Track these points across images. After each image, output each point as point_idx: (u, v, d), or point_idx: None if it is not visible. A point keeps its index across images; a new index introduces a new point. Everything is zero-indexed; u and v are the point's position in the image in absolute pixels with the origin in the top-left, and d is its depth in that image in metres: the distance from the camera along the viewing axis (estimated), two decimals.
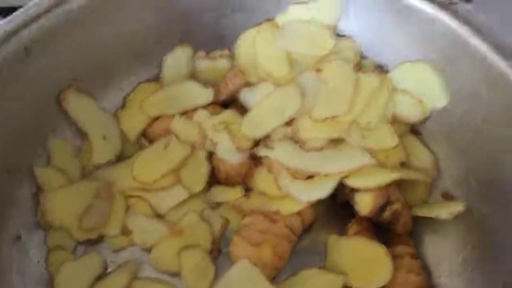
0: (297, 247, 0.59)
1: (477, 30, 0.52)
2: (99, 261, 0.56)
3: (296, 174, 0.55)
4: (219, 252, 0.58)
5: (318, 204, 0.58)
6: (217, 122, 0.60)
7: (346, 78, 0.57)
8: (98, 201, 0.57)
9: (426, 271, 0.57)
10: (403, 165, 0.58)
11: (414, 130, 0.61)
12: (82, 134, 0.62)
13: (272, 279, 0.55)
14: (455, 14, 0.54)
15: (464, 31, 0.53)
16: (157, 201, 0.59)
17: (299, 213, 0.56)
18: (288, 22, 0.60)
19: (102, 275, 0.56)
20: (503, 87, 0.51)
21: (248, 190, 0.59)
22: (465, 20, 0.53)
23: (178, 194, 0.59)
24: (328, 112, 0.55)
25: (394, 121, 0.59)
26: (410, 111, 0.59)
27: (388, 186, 0.55)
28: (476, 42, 0.52)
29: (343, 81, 0.57)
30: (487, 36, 0.52)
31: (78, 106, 0.61)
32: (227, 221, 0.59)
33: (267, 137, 0.57)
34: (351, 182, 0.53)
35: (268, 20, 0.61)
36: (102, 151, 0.61)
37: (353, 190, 0.54)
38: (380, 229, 0.58)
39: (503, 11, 0.67)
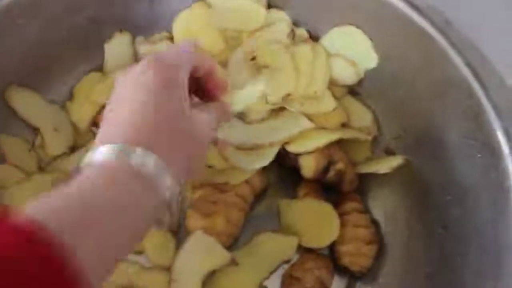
0: (253, 214, 0.62)
1: None
2: None
3: (240, 146, 0.57)
4: (179, 227, 0.60)
5: (269, 172, 0.61)
6: None
7: (282, 57, 0.59)
8: None
9: (374, 224, 0.61)
10: (344, 125, 0.61)
11: (352, 91, 0.63)
12: (33, 129, 0.63)
13: (230, 246, 0.58)
14: None
15: None
16: None
17: (247, 182, 0.58)
18: (219, 0, 0.62)
19: None
20: (425, 46, 0.54)
21: None
22: None
23: None
24: (281, 92, 0.58)
25: (332, 84, 0.61)
26: (345, 74, 0.61)
27: (330, 147, 0.58)
28: (397, 3, 0.55)
29: (280, 61, 0.59)
30: None
31: (24, 102, 0.61)
32: (183, 198, 0.61)
33: None
34: (293, 148, 0.56)
35: (199, 0, 0.62)
36: (55, 143, 0.63)
37: (297, 155, 0.57)
38: (329, 189, 0.61)
39: None
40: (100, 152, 0.36)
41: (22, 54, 0.60)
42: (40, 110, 0.63)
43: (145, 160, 0.36)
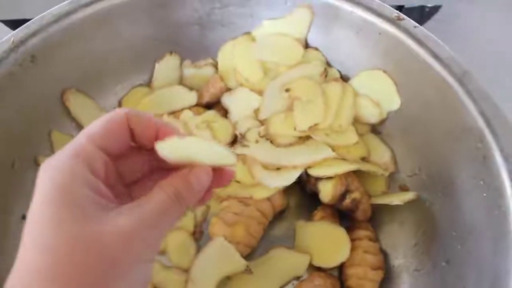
0: (272, 233, 0.66)
1: (421, 42, 0.60)
2: None
3: (267, 166, 0.63)
4: (201, 234, 0.65)
5: (290, 195, 0.67)
6: (200, 121, 0.68)
7: (314, 91, 0.65)
8: None
9: (384, 253, 0.65)
10: (364, 160, 0.66)
11: (374, 130, 0.69)
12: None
13: (247, 256, 0.62)
14: (403, 29, 0.62)
15: (410, 43, 0.61)
16: None
17: (269, 199, 0.63)
18: (263, 35, 0.69)
19: None
20: (444, 94, 0.59)
21: None
22: (410, 34, 0.61)
23: None
24: (309, 123, 0.63)
25: (356, 121, 0.67)
26: (369, 113, 0.67)
27: (348, 176, 0.63)
28: (421, 53, 0.61)
29: (312, 95, 0.64)
30: (430, 47, 0.60)
31: (79, 104, 0.68)
32: (207, 207, 0.67)
33: (242, 136, 0.65)
34: (314, 172, 0.61)
35: (245, 33, 0.70)
36: None
37: (317, 180, 0.62)
38: (344, 217, 0.66)
39: None
40: None
41: (85, 62, 0.67)
42: (91, 113, 0.69)
43: None
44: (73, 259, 0.31)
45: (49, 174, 0.33)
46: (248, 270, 0.60)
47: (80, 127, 0.68)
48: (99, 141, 0.36)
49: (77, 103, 0.68)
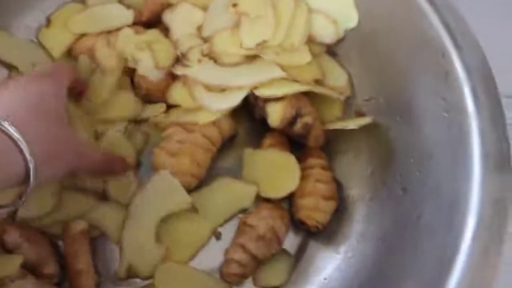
0: (219, 164, 0.61)
1: None
2: None
3: (210, 88, 0.57)
4: (138, 165, 0.60)
5: (238, 123, 0.61)
6: (140, 41, 0.61)
7: (263, 6, 0.58)
8: None
9: (338, 184, 0.60)
10: (318, 82, 0.61)
11: (330, 51, 0.63)
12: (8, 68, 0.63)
13: (195, 188, 0.58)
14: None
15: None
16: None
17: (215, 124, 0.57)
18: None
19: None
20: (405, 3, 0.54)
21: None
22: None
23: None
24: (257, 39, 0.57)
25: (310, 41, 0.61)
26: (324, 31, 0.61)
27: (299, 99, 0.57)
28: None
29: (261, 10, 0.58)
30: None
31: None
32: (146, 135, 0.61)
33: (183, 56, 0.59)
34: (261, 92, 0.56)
35: None
36: None
37: (266, 102, 0.57)
38: (296, 146, 0.61)
39: None
40: None
41: None
42: (13, 47, 0.63)
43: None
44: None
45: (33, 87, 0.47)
46: (193, 208, 0.55)
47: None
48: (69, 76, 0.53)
49: None
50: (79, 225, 0.54)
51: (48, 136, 0.45)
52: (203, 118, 0.57)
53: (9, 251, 0.53)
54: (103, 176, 0.57)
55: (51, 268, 0.53)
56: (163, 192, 0.55)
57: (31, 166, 0.41)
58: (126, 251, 0.54)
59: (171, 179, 0.55)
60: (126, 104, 0.60)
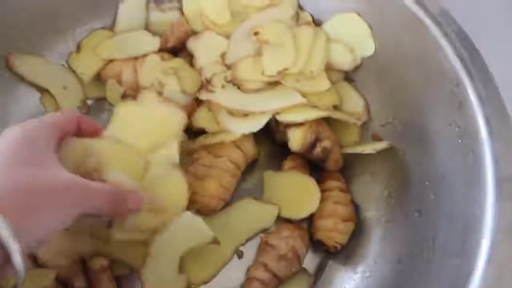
0: (241, 185, 0.64)
1: None
2: None
3: (233, 112, 0.59)
4: None
5: (260, 145, 0.64)
6: (166, 67, 0.64)
7: (284, 35, 0.61)
8: None
9: (355, 206, 0.63)
10: (336, 108, 0.63)
11: (348, 77, 0.66)
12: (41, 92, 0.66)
13: (220, 210, 0.60)
14: None
15: None
16: None
17: (240, 149, 0.60)
18: None
19: None
20: (419, 35, 0.56)
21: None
22: None
23: None
24: (278, 67, 0.60)
25: (329, 68, 0.63)
26: (343, 59, 0.63)
27: (319, 124, 0.60)
28: None
29: (282, 38, 0.61)
30: None
31: (29, 66, 0.65)
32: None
33: (208, 82, 0.62)
34: (283, 117, 0.58)
35: None
36: (67, 101, 0.66)
37: (287, 127, 0.59)
38: (315, 168, 0.63)
39: None
40: None
41: (39, 6, 0.63)
42: (46, 71, 0.66)
43: None
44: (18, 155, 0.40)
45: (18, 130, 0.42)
46: (215, 241, 0.54)
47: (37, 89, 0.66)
48: (63, 126, 0.48)
49: (26, 66, 0.65)
50: (99, 261, 0.55)
51: (22, 185, 0.38)
52: (229, 137, 0.59)
53: (40, 265, 0.55)
54: (116, 215, 0.49)
55: (80, 281, 0.55)
56: (187, 231, 0.54)
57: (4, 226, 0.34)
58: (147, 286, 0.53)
59: (195, 218, 0.54)
60: None
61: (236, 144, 0.60)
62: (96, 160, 0.50)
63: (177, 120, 0.56)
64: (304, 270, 0.60)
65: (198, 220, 0.54)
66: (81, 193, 0.42)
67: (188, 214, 0.53)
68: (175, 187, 0.53)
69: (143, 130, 0.54)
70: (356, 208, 0.63)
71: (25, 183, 0.38)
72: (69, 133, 0.48)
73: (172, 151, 0.54)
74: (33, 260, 0.55)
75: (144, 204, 0.50)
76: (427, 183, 0.56)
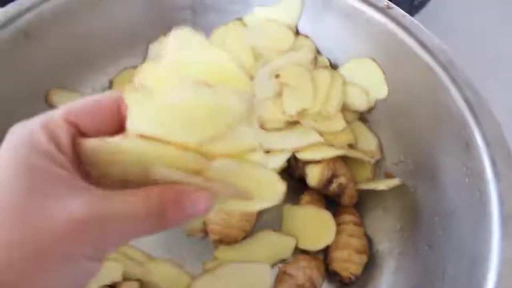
0: (262, 217, 0.67)
1: (409, 30, 0.62)
2: None
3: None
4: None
5: None
6: None
7: (303, 78, 0.66)
8: None
9: (368, 239, 0.66)
10: (351, 146, 0.67)
11: (362, 117, 0.70)
12: None
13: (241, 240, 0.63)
14: (392, 17, 0.63)
15: (398, 32, 0.63)
16: None
17: None
18: (254, 21, 0.70)
19: None
20: (429, 81, 0.61)
21: None
22: (398, 22, 0.63)
23: None
24: (297, 108, 0.64)
25: (344, 109, 0.68)
26: (358, 101, 0.68)
27: (335, 162, 0.64)
28: (409, 41, 0.62)
29: (301, 81, 0.66)
30: (417, 36, 0.62)
31: (65, 101, 0.68)
32: None
33: None
34: (302, 155, 0.62)
35: (237, 19, 0.71)
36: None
37: (305, 164, 0.63)
38: (330, 202, 0.67)
39: None
40: None
41: (77, 41, 0.68)
42: None
43: None
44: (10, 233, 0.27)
45: (12, 141, 0.31)
46: None
47: None
48: (74, 117, 0.32)
49: (62, 100, 0.68)
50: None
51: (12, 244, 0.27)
52: None
53: None
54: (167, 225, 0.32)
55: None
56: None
57: None
58: None
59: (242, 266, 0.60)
60: None
61: None
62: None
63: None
64: None
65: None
66: (100, 226, 0.28)
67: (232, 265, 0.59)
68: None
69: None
70: (369, 241, 0.66)
71: (14, 241, 0.27)
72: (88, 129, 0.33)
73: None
74: None
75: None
76: (436, 218, 0.60)
